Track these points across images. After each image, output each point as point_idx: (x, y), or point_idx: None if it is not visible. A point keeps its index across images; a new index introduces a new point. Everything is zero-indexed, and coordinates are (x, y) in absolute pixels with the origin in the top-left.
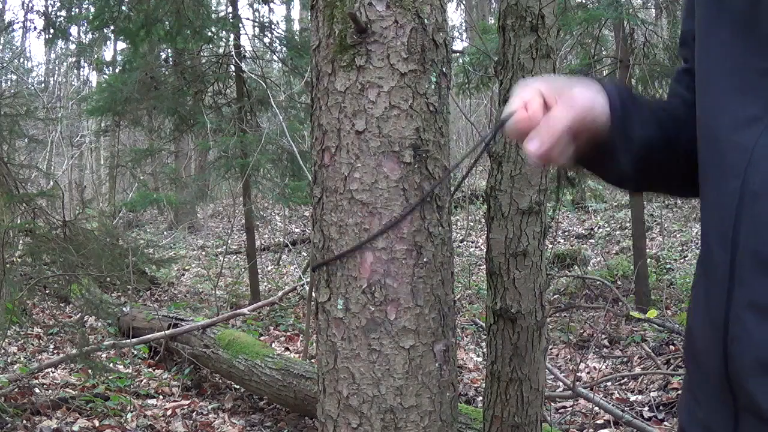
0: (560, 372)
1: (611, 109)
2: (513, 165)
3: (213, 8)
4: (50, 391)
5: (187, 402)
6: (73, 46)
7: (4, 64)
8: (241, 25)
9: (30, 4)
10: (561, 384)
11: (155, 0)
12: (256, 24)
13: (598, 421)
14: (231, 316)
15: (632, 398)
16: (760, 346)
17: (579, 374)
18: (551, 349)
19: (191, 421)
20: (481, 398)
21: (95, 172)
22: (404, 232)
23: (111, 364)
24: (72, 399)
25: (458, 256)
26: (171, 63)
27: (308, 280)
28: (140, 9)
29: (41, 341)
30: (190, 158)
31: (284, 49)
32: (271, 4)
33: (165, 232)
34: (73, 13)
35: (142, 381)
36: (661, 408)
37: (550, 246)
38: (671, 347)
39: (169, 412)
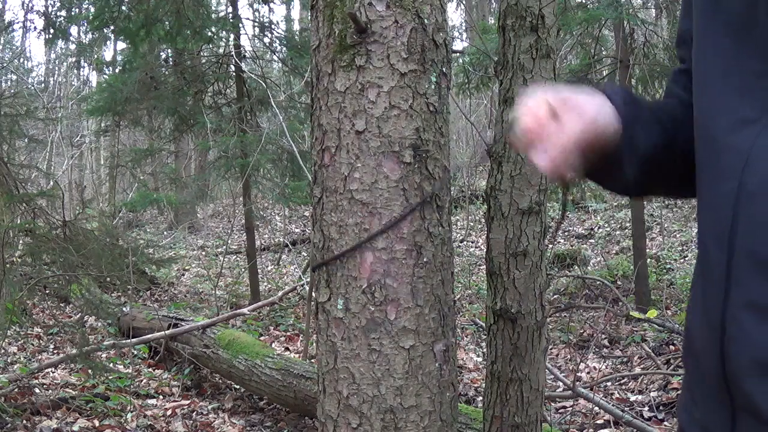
0: (560, 372)
1: (618, 119)
2: (513, 165)
3: (213, 8)
4: (50, 391)
5: (187, 402)
6: (73, 46)
7: (4, 64)
8: (241, 25)
9: (30, 4)
10: (561, 384)
11: (155, 0)
12: (256, 24)
13: (598, 421)
14: (231, 316)
15: (632, 398)
16: (758, 346)
17: (579, 374)
18: (551, 349)
19: (191, 421)
20: (481, 398)
21: (95, 172)
22: (404, 232)
23: (111, 364)
24: (72, 399)
25: (458, 256)
26: (171, 63)
27: (308, 280)
28: (140, 9)
29: (41, 341)
30: (190, 158)
31: (284, 49)
32: (271, 4)
33: (165, 232)
34: (73, 13)
35: (142, 381)
36: (661, 408)
37: (550, 246)
38: (671, 347)
39: (169, 412)
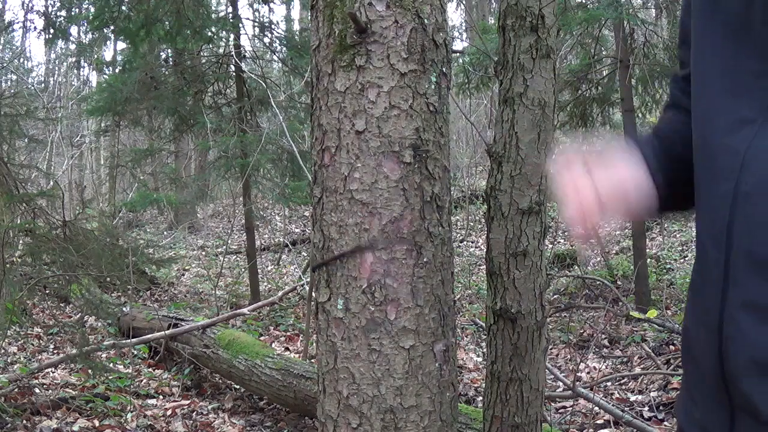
0: (560, 372)
1: (652, 183)
2: (513, 165)
3: (213, 8)
4: (50, 391)
5: (187, 402)
6: (73, 46)
7: (4, 64)
8: (241, 25)
9: (30, 4)
10: (561, 384)
11: (155, 0)
12: (256, 24)
13: (598, 421)
14: (231, 316)
15: (632, 398)
16: (755, 346)
17: (579, 374)
18: (551, 349)
19: (191, 421)
20: (481, 398)
21: (95, 172)
22: (404, 232)
23: (111, 364)
24: (72, 399)
25: (458, 256)
26: (171, 63)
27: (308, 280)
28: (140, 9)
29: (41, 341)
30: (190, 158)
31: (284, 49)
32: (271, 4)
33: (165, 232)
34: (73, 13)
35: (142, 381)
36: (661, 408)
37: (550, 246)
38: (671, 347)
39: (169, 412)
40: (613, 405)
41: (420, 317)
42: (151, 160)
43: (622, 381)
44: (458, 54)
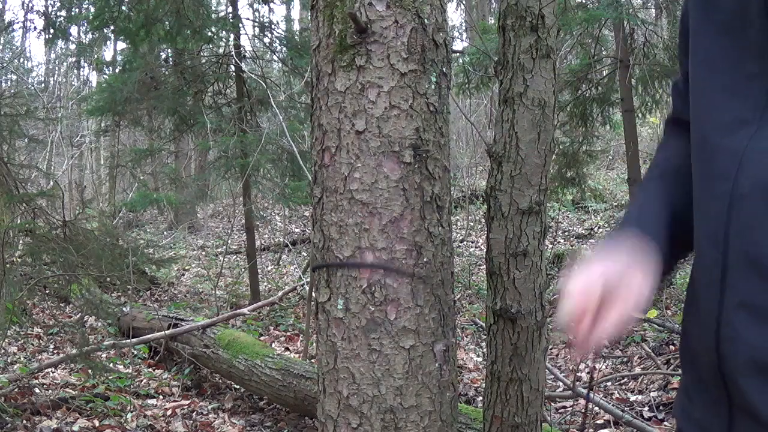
0: (560, 372)
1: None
2: (513, 165)
3: (213, 8)
4: (50, 391)
5: (187, 402)
6: (73, 46)
7: (4, 64)
8: (241, 25)
9: (30, 4)
10: (561, 384)
11: (155, 0)
12: (256, 24)
13: (598, 421)
14: (231, 316)
15: (632, 398)
16: (753, 346)
17: (579, 374)
18: (551, 349)
19: (191, 421)
20: (481, 398)
21: (95, 172)
22: (404, 232)
23: (111, 364)
24: (72, 399)
25: (458, 256)
26: (171, 63)
27: (308, 280)
28: (140, 9)
29: (41, 341)
30: (190, 158)
31: (284, 49)
32: (271, 4)
33: (165, 232)
34: (73, 13)
35: (142, 381)
36: (661, 408)
37: (550, 246)
38: (671, 347)
39: (169, 412)
40: (613, 405)
41: (420, 317)
42: (151, 160)
43: (622, 381)
44: (458, 54)
